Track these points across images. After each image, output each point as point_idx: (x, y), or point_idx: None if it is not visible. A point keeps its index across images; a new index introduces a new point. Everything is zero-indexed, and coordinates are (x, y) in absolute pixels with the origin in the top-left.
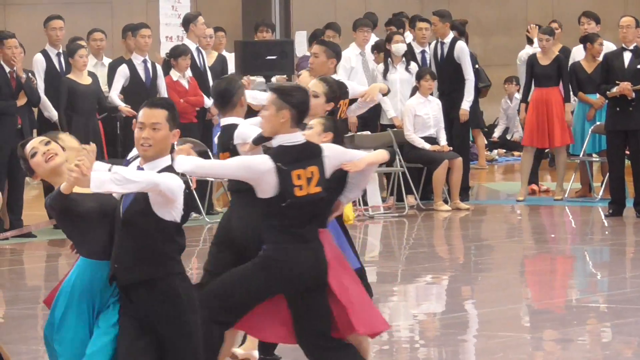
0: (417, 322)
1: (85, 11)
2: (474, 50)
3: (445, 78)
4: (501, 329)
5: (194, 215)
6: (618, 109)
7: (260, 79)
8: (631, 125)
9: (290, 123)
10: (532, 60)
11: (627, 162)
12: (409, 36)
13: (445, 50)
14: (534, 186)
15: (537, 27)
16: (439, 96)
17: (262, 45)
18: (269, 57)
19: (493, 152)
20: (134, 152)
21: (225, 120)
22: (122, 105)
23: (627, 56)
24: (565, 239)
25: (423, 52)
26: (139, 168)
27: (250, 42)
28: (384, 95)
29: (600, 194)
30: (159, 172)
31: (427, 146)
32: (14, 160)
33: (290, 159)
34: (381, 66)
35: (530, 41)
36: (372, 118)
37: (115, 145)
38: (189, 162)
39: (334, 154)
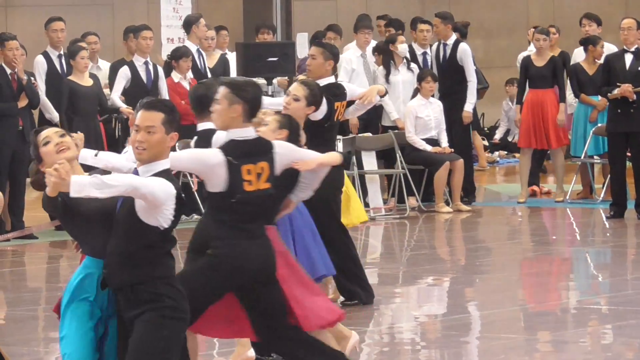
0: (419, 324)
1: (86, 13)
2: (475, 52)
3: (447, 80)
4: (502, 331)
5: (195, 216)
6: (619, 110)
7: (261, 81)
8: (632, 127)
9: (243, 118)
10: (526, 61)
11: (629, 164)
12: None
13: (448, 51)
14: (535, 188)
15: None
16: (440, 98)
17: (264, 47)
18: (270, 59)
19: (494, 153)
20: (128, 149)
21: (202, 126)
22: (123, 106)
23: (628, 58)
24: (567, 240)
25: (424, 53)
26: (134, 171)
27: (251, 44)
28: (382, 97)
29: (602, 195)
30: (154, 175)
31: (429, 148)
32: (16, 161)
33: (241, 153)
34: (380, 68)
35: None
36: (373, 120)
37: (117, 146)
38: None
39: (285, 152)
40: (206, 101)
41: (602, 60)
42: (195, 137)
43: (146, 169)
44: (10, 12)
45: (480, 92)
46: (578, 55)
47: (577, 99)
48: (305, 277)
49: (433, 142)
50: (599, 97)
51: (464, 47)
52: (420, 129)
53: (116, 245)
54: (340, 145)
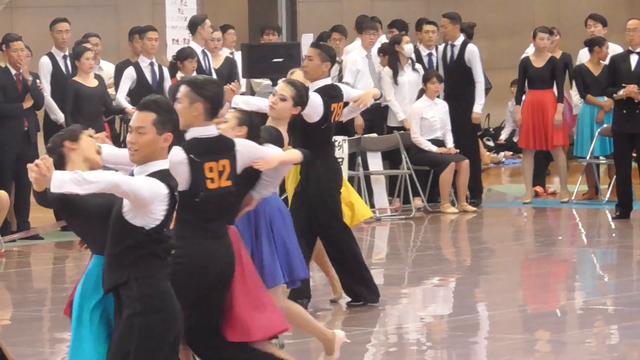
0: (424, 325)
1: (91, 14)
2: (479, 53)
3: (454, 81)
4: (508, 331)
5: None
6: (625, 111)
7: (266, 82)
8: (638, 127)
9: (204, 116)
10: (525, 62)
11: (634, 165)
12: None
13: (456, 52)
14: (538, 188)
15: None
16: (446, 99)
17: (269, 47)
18: (275, 60)
19: (500, 154)
20: None
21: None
22: (129, 107)
23: (633, 59)
24: (572, 241)
25: (430, 54)
26: (131, 172)
27: (256, 44)
28: (376, 100)
29: (607, 196)
30: (148, 176)
31: (434, 148)
32: (21, 162)
33: (203, 151)
34: (387, 69)
35: None
36: (379, 120)
37: (121, 147)
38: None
39: (246, 149)
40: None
41: (607, 61)
42: None
43: (141, 169)
44: (15, 13)
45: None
46: (583, 56)
47: (582, 100)
48: (256, 286)
49: (438, 142)
50: (605, 98)
51: (472, 48)
52: (426, 130)
53: (107, 246)
54: (346, 146)
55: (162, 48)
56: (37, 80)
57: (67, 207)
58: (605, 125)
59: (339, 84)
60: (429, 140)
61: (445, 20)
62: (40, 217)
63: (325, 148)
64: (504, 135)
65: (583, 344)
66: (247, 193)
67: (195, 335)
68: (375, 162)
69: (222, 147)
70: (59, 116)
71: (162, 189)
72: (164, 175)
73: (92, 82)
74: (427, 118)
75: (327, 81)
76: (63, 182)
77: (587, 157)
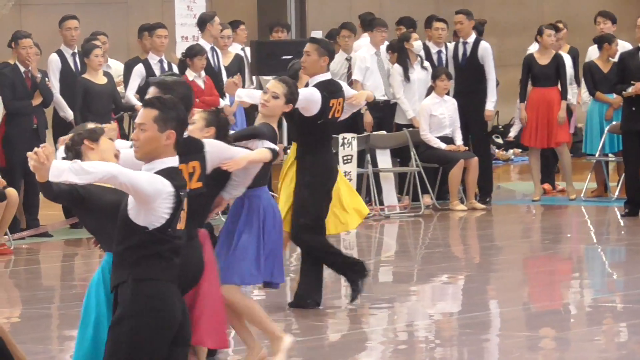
0: (433, 322)
1: (100, 11)
2: None
3: (465, 78)
4: (517, 329)
5: None
6: (634, 108)
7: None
8: None
9: None
10: (529, 60)
11: None
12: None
13: (468, 50)
14: (547, 185)
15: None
16: (456, 96)
17: (278, 45)
18: (284, 57)
19: (509, 151)
20: None
21: None
22: (138, 104)
23: None
24: (581, 238)
25: (439, 52)
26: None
27: (265, 42)
28: (368, 103)
29: (616, 193)
30: (156, 173)
31: (443, 146)
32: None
33: None
34: (397, 66)
35: None
36: (388, 118)
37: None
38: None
39: (215, 150)
40: None
41: (616, 59)
42: None
43: (148, 167)
44: (24, 11)
45: None
46: (592, 54)
47: (591, 97)
48: (216, 292)
49: (447, 140)
50: (614, 95)
51: (485, 45)
52: (435, 127)
53: (114, 244)
54: (355, 144)
55: (172, 45)
56: (46, 78)
57: (80, 204)
58: (614, 123)
59: (339, 80)
60: (438, 137)
61: (461, 17)
62: (50, 214)
63: (318, 144)
64: (512, 133)
65: (592, 342)
66: (218, 194)
67: None
68: (384, 159)
69: (191, 149)
70: (68, 113)
71: (166, 186)
72: (169, 173)
73: (101, 80)
74: (436, 115)
75: (327, 76)
76: (61, 171)
77: (596, 155)
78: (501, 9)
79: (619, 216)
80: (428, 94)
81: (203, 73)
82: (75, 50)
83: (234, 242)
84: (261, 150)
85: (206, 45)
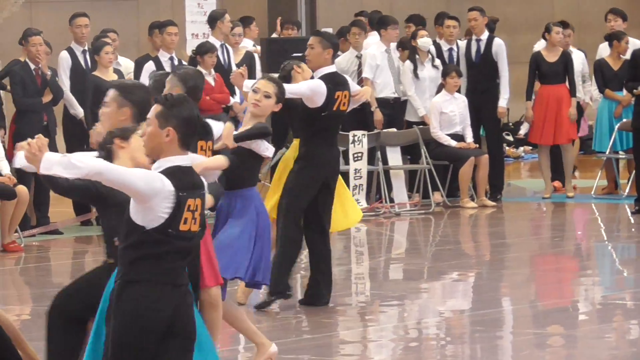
0: (444, 319)
1: (110, 8)
2: None
3: (478, 75)
4: (527, 326)
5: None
6: None
7: None
8: None
9: (131, 120)
10: (536, 57)
11: None
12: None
13: (482, 47)
14: (557, 183)
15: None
16: (468, 93)
17: (288, 42)
18: (294, 54)
19: (519, 149)
20: None
21: None
22: None
23: None
24: (591, 236)
25: (450, 49)
26: None
27: (275, 39)
28: (367, 103)
29: (627, 191)
30: (160, 172)
31: (453, 143)
32: None
33: None
34: (408, 63)
35: None
36: (398, 115)
37: None
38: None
39: None
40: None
41: (626, 56)
42: None
43: (156, 165)
44: (34, 8)
45: None
46: (603, 51)
47: (601, 95)
48: (207, 238)
49: (458, 137)
50: (624, 92)
51: (499, 42)
52: (445, 125)
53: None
54: (365, 141)
55: (182, 43)
56: (56, 76)
57: (103, 201)
58: (624, 120)
59: (344, 75)
60: (448, 134)
61: (475, 13)
62: (60, 211)
63: (318, 136)
64: (523, 130)
65: (602, 339)
66: None
67: None
68: (394, 156)
69: None
70: (79, 111)
71: (165, 185)
72: (172, 172)
73: (112, 77)
74: (446, 112)
75: (332, 68)
76: (52, 163)
77: (607, 152)
78: (512, 6)
79: (629, 213)
80: (438, 91)
81: (213, 71)
82: (86, 48)
83: (223, 238)
84: (217, 157)
85: (216, 43)
